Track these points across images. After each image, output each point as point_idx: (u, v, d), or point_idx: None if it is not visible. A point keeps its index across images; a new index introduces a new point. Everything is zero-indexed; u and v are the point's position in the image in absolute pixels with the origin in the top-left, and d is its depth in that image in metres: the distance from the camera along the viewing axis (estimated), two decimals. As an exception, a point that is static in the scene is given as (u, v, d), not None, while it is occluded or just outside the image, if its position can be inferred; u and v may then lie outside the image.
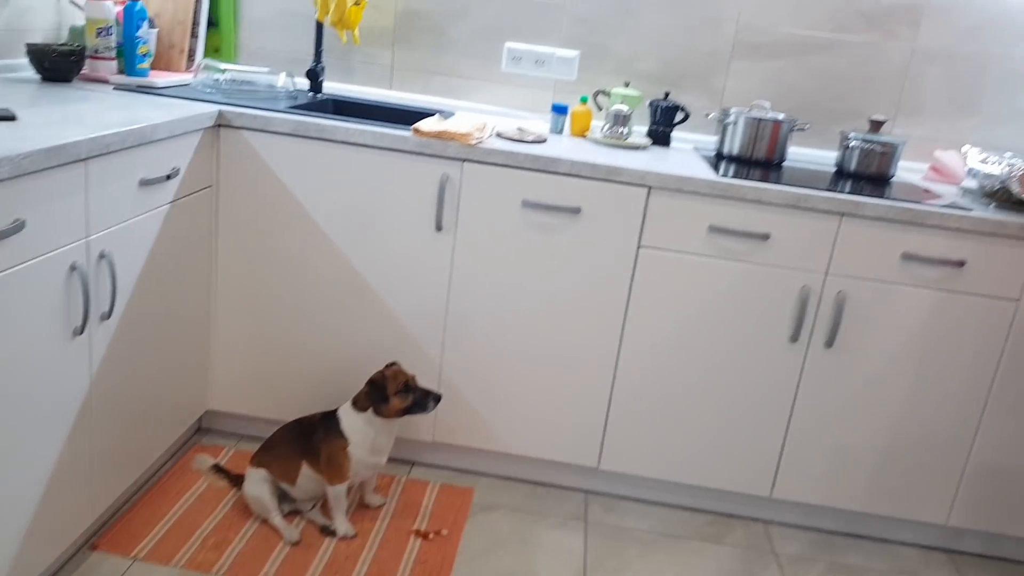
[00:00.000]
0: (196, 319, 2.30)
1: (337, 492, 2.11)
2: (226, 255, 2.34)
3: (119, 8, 2.41)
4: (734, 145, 2.54)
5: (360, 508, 2.27)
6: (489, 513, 2.34)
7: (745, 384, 2.30)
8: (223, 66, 2.55)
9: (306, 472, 2.11)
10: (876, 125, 2.49)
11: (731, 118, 2.54)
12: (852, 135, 2.50)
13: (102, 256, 1.76)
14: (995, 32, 2.58)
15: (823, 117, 2.71)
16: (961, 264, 2.15)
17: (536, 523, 2.33)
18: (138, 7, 2.38)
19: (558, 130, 2.61)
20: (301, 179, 2.25)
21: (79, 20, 2.48)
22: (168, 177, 2.00)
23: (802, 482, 2.37)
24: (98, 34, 2.36)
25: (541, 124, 2.66)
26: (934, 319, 2.20)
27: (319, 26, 2.65)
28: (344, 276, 2.32)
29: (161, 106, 2.12)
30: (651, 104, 2.63)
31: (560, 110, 2.59)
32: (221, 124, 2.22)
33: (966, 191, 2.42)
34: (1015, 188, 2.18)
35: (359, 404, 2.09)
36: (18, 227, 1.47)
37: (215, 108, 2.20)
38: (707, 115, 2.71)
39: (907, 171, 2.68)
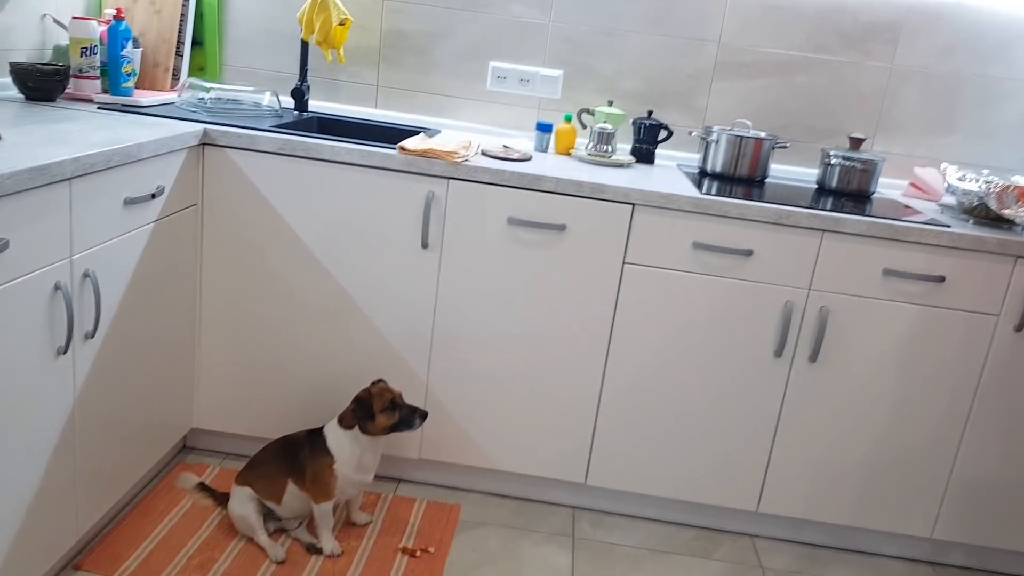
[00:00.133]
0: (181, 337, 2.29)
1: (323, 510, 2.10)
2: (211, 273, 2.33)
3: (103, 27, 2.41)
4: (717, 163, 2.56)
5: (346, 526, 2.26)
6: (476, 530, 2.34)
7: (730, 399, 2.32)
8: (208, 85, 2.55)
9: (292, 490, 2.10)
10: (856, 143, 2.52)
11: (714, 136, 2.56)
12: (833, 152, 2.53)
13: (86, 275, 1.76)
14: (970, 52, 2.63)
15: (804, 135, 2.74)
16: (941, 280, 2.17)
17: (524, 539, 2.32)
18: (123, 26, 2.38)
19: (543, 148, 2.63)
20: (286, 198, 2.26)
21: (63, 39, 2.47)
22: (153, 196, 1.99)
23: (788, 496, 2.38)
24: (82, 53, 2.36)
25: (526, 142, 2.68)
26: (916, 334, 2.22)
27: (304, 45, 2.66)
28: (330, 294, 2.32)
29: (146, 125, 2.12)
30: (635, 122, 2.65)
31: (545, 128, 2.61)
32: (206, 143, 2.22)
33: (945, 207, 2.46)
34: (993, 205, 2.22)
35: (345, 422, 2.08)
36: (2, 247, 1.47)
37: (200, 127, 2.20)
38: (690, 133, 2.74)
39: (887, 188, 2.71)
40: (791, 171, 2.76)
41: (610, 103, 2.64)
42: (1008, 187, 2.21)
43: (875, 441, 2.31)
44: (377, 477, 2.48)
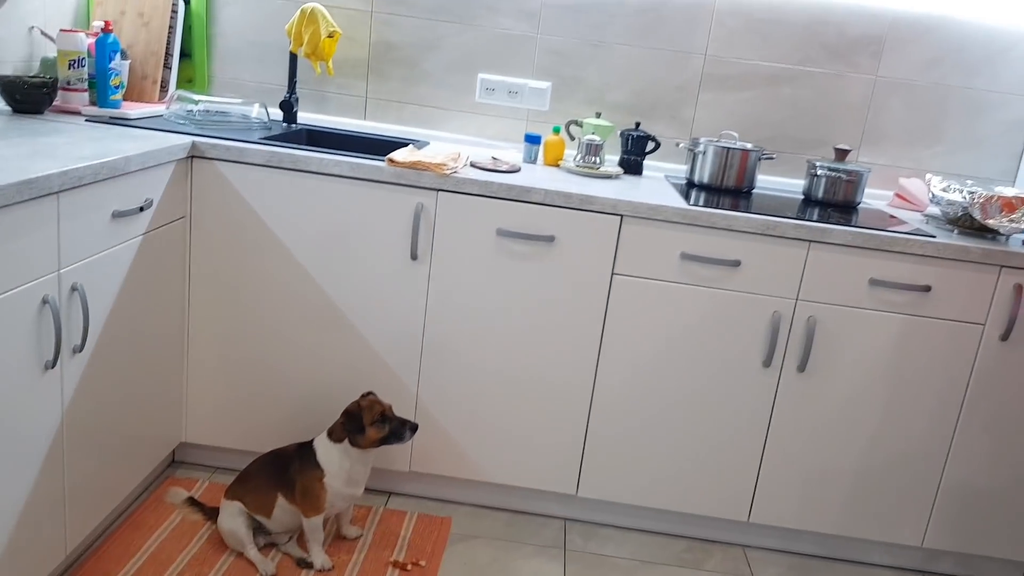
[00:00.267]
0: (169, 351, 2.28)
1: (313, 524, 2.09)
2: (200, 286, 2.32)
3: (91, 40, 2.40)
4: (704, 174, 2.58)
5: (337, 540, 2.25)
6: (467, 542, 2.33)
7: (720, 409, 2.32)
8: (196, 97, 2.55)
9: (282, 504, 2.09)
10: (841, 154, 2.54)
11: (701, 148, 2.58)
12: (819, 164, 2.55)
13: (74, 289, 1.75)
14: (955, 64, 2.66)
15: (790, 146, 2.77)
16: (927, 289, 2.19)
17: (515, 552, 2.32)
18: (111, 38, 2.38)
19: (531, 159, 2.64)
20: (275, 210, 2.26)
21: (51, 52, 2.47)
22: (141, 209, 1.99)
23: (779, 506, 2.39)
24: (70, 66, 2.35)
25: (514, 154, 2.69)
26: (903, 343, 2.24)
27: (293, 57, 2.67)
28: (319, 306, 2.32)
29: (134, 138, 2.11)
30: (622, 134, 2.67)
31: (533, 140, 2.62)
32: (194, 155, 2.22)
33: (930, 218, 2.48)
34: (977, 215, 2.24)
35: (335, 435, 2.08)
36: (-10, 260, 1.46)
37: (188, 139, 2.20)
38: (677, 145, 2.76)
39: (873, 198, 2.74)
40: (778, 182, 2.78)
41: (598, 115, 2.65)
42: (992, 197, 2.23)
43: (864, 450, 2.33)
44: (367, 490, 2.47)
